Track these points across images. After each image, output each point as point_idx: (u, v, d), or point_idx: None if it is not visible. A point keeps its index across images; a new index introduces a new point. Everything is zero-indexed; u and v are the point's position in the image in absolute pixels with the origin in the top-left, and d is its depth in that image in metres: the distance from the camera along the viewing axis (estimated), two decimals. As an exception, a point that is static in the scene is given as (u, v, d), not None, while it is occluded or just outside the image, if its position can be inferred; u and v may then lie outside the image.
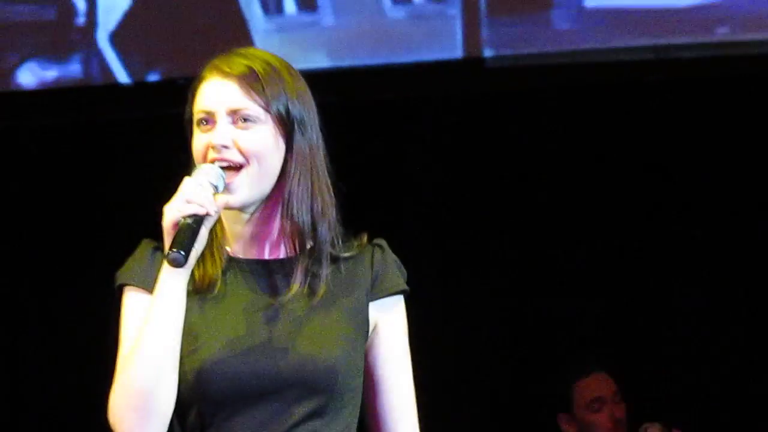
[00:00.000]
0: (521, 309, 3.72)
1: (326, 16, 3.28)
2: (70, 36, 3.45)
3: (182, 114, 1.74)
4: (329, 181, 1.76)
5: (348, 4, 3.25)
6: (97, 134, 3.65)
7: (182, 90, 1.74)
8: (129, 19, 3.40)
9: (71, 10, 3.46)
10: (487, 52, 3.26)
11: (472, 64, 3.27)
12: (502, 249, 3.69)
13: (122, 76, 3.45)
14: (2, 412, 3.93)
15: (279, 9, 3.30)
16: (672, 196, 3.71)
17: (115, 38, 3.44)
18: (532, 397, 3.71)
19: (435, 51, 3.23)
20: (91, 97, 3.57)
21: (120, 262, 1.78)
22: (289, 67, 1.76)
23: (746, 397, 3.83)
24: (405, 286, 1.79)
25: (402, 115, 3.40)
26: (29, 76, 3.46)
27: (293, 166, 1.72)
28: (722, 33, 3.20)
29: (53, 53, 3.48)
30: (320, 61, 3.27)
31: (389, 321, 1.79)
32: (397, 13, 3.25)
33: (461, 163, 3.58)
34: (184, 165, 1.72)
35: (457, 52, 3.25)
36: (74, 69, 3.50)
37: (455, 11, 3.23)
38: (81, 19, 3.46)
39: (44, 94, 3.54)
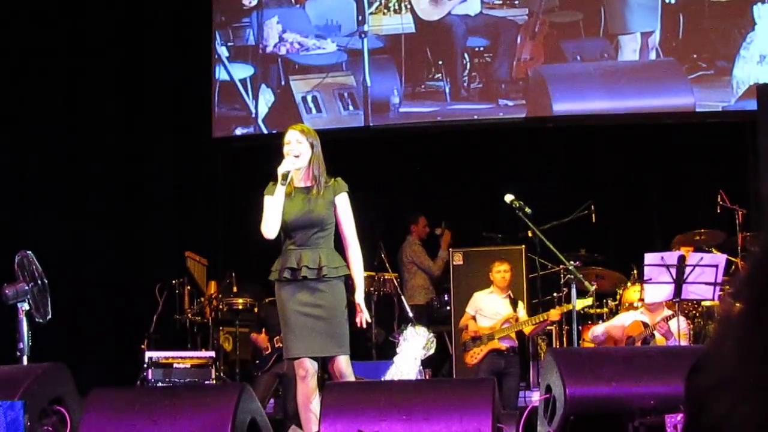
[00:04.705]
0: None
1: (323, 114, 10.56)
2: (250, 120, 10.86)
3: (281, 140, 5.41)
4: (323, 162, 5.34)
5: (330, 109, 10.52)
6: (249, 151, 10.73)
7: (283, 134, 5.50)
8: (270, 113, 11.02)
9: (250, 110, 10.95)
10: (371, 123, 10.53)
11: (368, 128, 10.49)
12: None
13: (266, 130, 10.87)
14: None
15: (310, 111, 10.57)
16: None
17: (265, 119, 10.79)
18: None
19: (354, 123, 10.48)
20: (257, 137, 10.78)
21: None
22: (311, 129, 5.43)
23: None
24: (346, 189, 5.28)
25: (338, 147, 9.92)
26: (239, 131, 10.77)
27: (313, 158, 5.30)
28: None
29: (245, 125, 10.90)
30: (321, 125, 10.30)
31: (340, 202, 5.32)
32: (345, 112, 10.54)
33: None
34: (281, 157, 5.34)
35: (360, 122, 10.49)
36: (250, 129, 10.87)
37: (361, 112, 10.64)
38: (253, 113, 10.91)
39: (245, 137, 10.86)
